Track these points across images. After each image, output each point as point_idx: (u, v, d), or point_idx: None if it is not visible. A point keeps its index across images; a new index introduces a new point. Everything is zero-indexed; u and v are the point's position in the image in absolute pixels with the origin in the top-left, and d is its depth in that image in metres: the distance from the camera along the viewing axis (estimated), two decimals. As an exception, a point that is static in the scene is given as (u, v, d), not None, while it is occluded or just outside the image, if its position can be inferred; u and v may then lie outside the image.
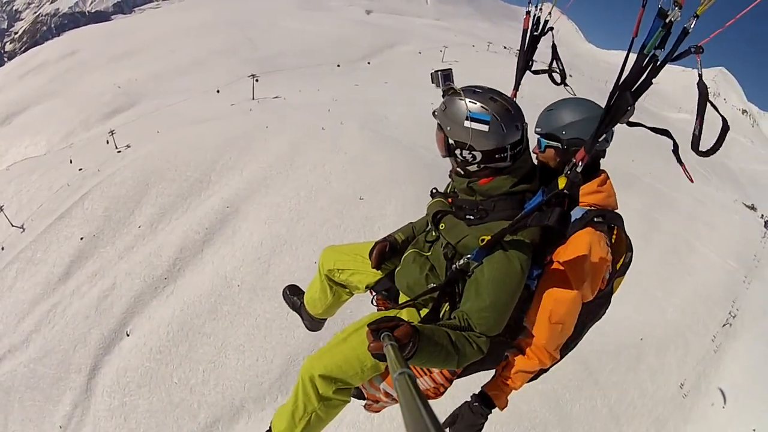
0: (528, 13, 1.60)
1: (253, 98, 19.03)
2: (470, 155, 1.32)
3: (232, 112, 16.05)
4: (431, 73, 1.35)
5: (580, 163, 1.16)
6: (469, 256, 1.31)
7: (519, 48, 1.69)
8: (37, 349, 9.91)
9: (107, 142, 14.50)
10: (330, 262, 1.83)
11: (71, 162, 14.82)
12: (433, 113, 1.37)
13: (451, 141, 1.34)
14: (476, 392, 1.56)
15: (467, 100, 1.28)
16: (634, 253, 1.61)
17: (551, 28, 1.63)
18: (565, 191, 1.20)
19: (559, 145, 1.52)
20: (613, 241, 1.49)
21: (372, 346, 1.05)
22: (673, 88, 45.77)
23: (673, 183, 18.54)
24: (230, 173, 11.20)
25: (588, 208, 1.47)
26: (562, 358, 1.51)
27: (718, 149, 1.09)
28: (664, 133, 1.31)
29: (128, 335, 8.65)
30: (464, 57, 30.76)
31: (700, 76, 1.07)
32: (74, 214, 11.76)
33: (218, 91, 20.78)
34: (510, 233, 1.23)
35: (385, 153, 13.13)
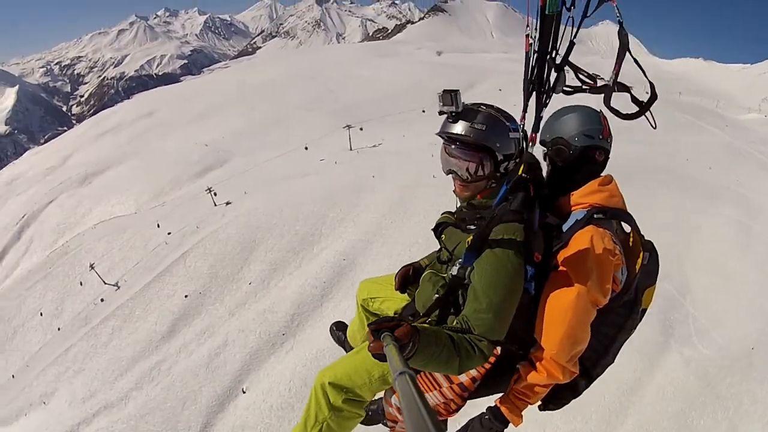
0: (527, 36, 1.56)
1: (351, 149, 21.93)
2: (509, 164, 1.60)
3: (328, 165, 18.65)
4: (442, 94, 1.55)
5: (531, 144, 1.43)
6: (460, 260, 1.54)
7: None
8: (139, 407, 11.59)
9: (212, 199, 17.25)
10: (364, 292, 2.17)
11: (158, 226, 17.88)
12: (467, 136, 1.54)
13: (500, 156, 1.56)
14: (491, 405, 1.72)
15: (497, 115, 1.55)
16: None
17: (573, 43, 1.72)
18: (523, 175, 1.44)
19: (568, 151, 1.69)
20: (620, 237, 1.61)
21: (372, 346, 1.18)
22: (737, 88, 46.77)
23: (760, 189, 18.81)
24: (342, 225, 12.94)
25: (589, 208, 1.59)
26: (594, 377, 1.72)
27: (640, 116, 1.41)
28: (606, 89, 1.52)
29: (244, 392, 9.94)
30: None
31: (621, 23, 1.34)
32: (175, 271, 14.17)
33: (306, 148, 24.11)
34: (488, 230, 1.46)
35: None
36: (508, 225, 1.48)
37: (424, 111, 31.53)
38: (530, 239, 1.48)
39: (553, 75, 1.38)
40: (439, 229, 1.78)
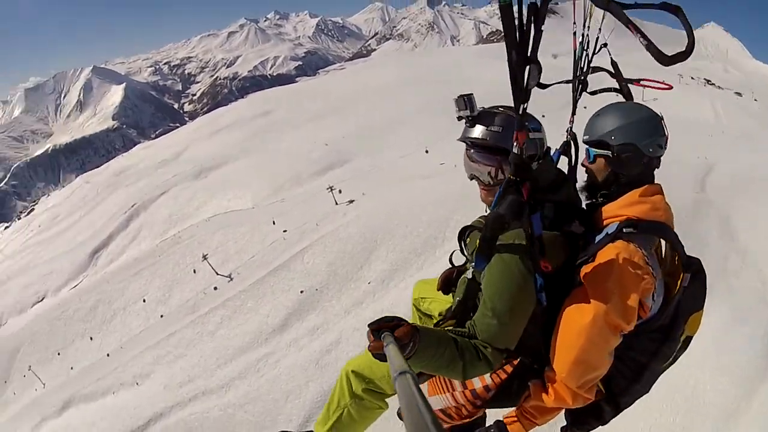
0: (575, 34, 2.19)
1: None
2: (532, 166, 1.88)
3: (448, 168, 20.39)
4: (456, 99, 1.87)
5: (515, 144, 1.54)
6: (472, 263, 1.88)
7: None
8: (239, 396, 13.72)
9: (333, 197, 20.21)
10: (416, 292, 2.81)
11: (274, 223, 21.20)
12: (484, 139, 1.87)
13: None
14: (499, 419, 2.03)
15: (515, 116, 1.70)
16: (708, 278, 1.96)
17: (605, 45, 2.25)
18: (512, 176, 1.63)
19: (609, 153, 1.90)
20: (655, 255, 1.78)
21: (372, 346, 1.47)
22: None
23: None
24: (466, 230, 14.63)
25: (622, 221, 1.78)
26: (623, 405, 1.97)
27: (686, 57, 1.47)
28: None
29: (353, 390, 11.71)
30: (660, 93, 35.06)
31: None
32: (292, 267, 16.85)
33: (427, 151, 26.97)
34: (488, 233, 1.67)
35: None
36: (515, 230, 1.77)
37: (544, 116, 32.88)
38: (530, 246, 1.69)
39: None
40: (466, 233, 2.08)
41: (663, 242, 1.89)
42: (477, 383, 2.10)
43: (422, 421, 0.68)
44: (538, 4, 1.23)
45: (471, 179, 2.05)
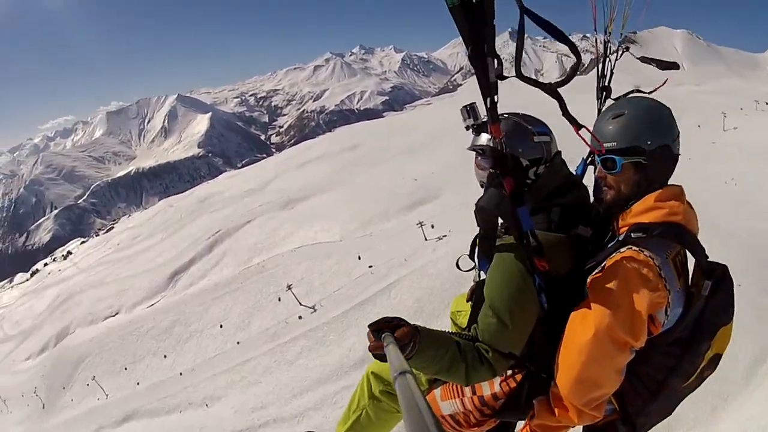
0: (596, 40, 2.30)
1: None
2: (538, 169, 2.04)
3: None
4: (462, 109, 2.07)
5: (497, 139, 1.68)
6: (478, 266, 2.05)
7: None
8: (312, 426, 14.72)
9: (423, 232, 21.27)
10: (453, 306, 2.96)
11: (360, 258, 22.43)
12: (488, 145, 2.03)
13: (525, 161, 2.01)
14: None
15: (520, 121, 2.04)
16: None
17: (627, 49, 2.32)
18: (491, 170, 1.84)
19: (642, 159, 1.85)
20: (672, 263, 1.76)
21: (372, 346, 1.58)
22: None
23: None
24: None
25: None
26: (640, 426, 1.97)
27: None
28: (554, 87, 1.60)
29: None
30: (740, 121, 36.10)
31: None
32: (378, 302, 17.98)
33: None
34: (483, 233, 1.97)
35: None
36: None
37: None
38: (520, 242, 1.79)
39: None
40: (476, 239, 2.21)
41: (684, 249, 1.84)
42: (486, 390, 2.18)
43: (422, 421, 0.74)
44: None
45: (482, 187, 2.15)
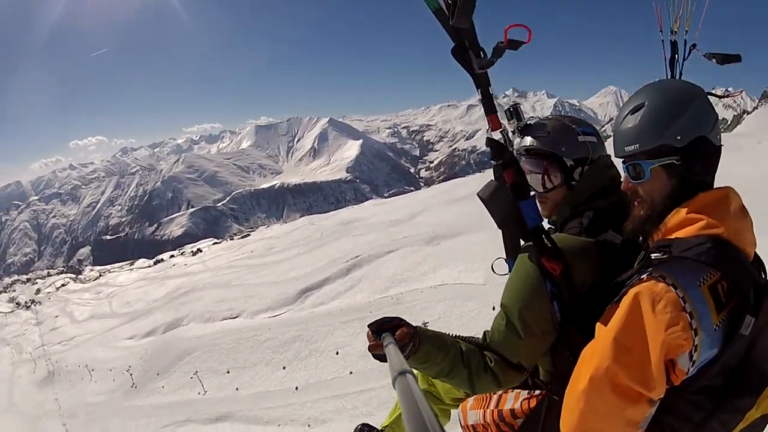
0: (662, 42, 2.13)
1: None
2: (584, 170, 2.08)
3: None
4: (506, 111, 2.10)
5: (492, 129, 1.74)
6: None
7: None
8: None
9: None
10: None
11: (493, 309, 21.79)
12: (531, 146, 2.11)
13: (569, 161, 2.05)
14: None
15: (564, 120, 2.10)
16: None
17: (694, 46, 2.12)
18: (493, 161, 1.77)
19: (674, 159, 1.66)
20: (709, 293, 1.51)
21: (371, 345, 1.71)
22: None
23: None
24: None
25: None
26: None
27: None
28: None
29: None
30: None
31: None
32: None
33: None
34: (501, 226, 2.06)
35: None
36: None
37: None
38: (523, 237, 1.86)
39: None
40: None
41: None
42: (507, 404, 2.21)
43: (423, 422, 0.76)
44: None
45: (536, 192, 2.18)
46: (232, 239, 70.80)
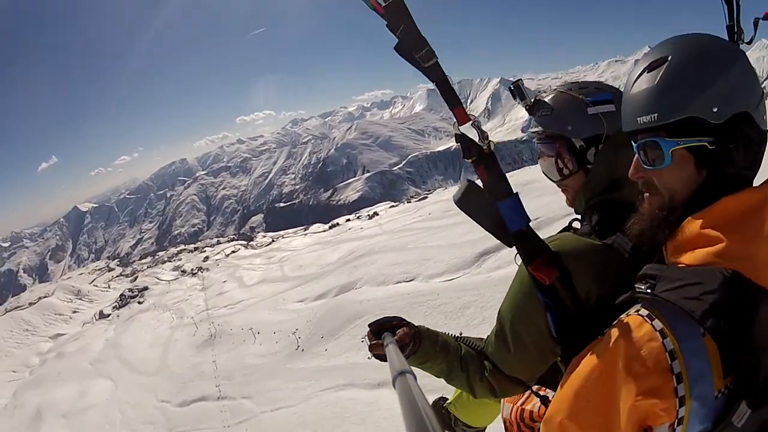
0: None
1: None
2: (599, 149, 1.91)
3: None
4: (512, 88, 2.02)
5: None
6: None
7: None
8: None
9: None
10: None
11: None
12: (536, 129, 2.04)
13: (579, 144, 1.92)
14: None
15: (570, 91, 1.94)
16: None
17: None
18: (465, 160, 1.71)
19: (708, 140, 1.31)
20: (708, 343, 1.15)
21: (372, 345, 1.89)
22: None
23: None
24: None
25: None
26: None
27: None
28: None
29: None
30: None
31: None
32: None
33: None
34: (497, 236, 1.81)
35: None
36: None
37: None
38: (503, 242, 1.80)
39: None
40: None
41: None
42: (530, 404, 2.26)
43: (423, 422, 0.75)
44: None
45: (553, 181, 2.12)
46: (409, 202, 71.19)
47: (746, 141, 1.29)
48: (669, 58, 1.34)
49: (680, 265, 1.28)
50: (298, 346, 27.12)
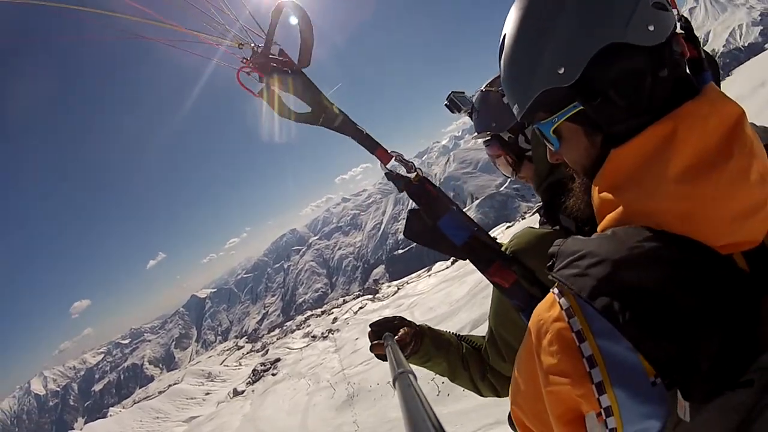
0: None
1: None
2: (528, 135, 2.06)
3: None
4: (446, 103, 2.27)
5: None
6: None
7: None
8: None
9: None
10: None
11: None
12: (476, 132, 2.21)
13: (507, 136, 2.09)
14: None
15: (488, 87, 2.14)
16: None
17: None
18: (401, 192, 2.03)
19: (572, 105, 1.20)
20: None
21: (372, 345, 1.99)
22: None
23: None
24: None
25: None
26: None
27: None
28: None
29: None
30: None
31: None
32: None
33: None
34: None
35: None
36: None
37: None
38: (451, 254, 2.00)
39: None
40: None
41: None
42: None
43: (423, 422, 0.76)
44: None
45: (512, 179, 2.30)
46: (523, 218, 70.85)
47: (617, 84, 1.09)
48: (505, 35, 1.29)
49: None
50: (439, 392, 26.62)
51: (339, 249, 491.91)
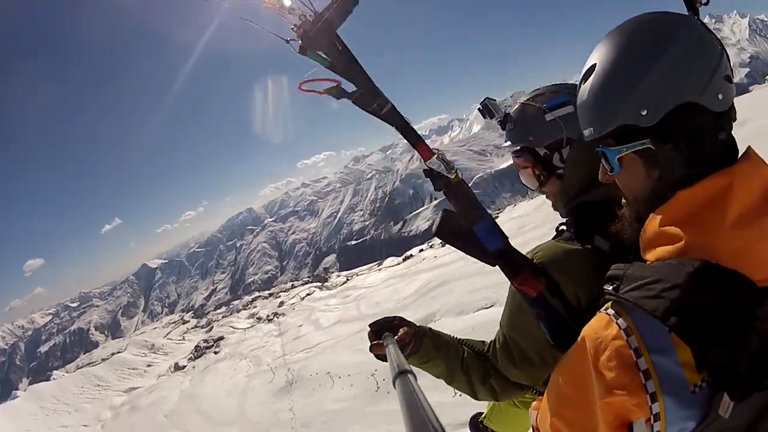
0: None
1: None
2: (563, 154, 2.04)
3: None
4: (480, 108, 2.27)
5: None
6: None
7: None
8: None
9: None
10: None
11: None
12: (508, 143, 2.21)
13: (543, 152, 2.07)
14: None
15: (529, 101, 2.11)
16: None
17: None
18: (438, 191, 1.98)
19: (647, 141, 1.36)
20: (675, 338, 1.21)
21: (372, 345, 2.03)
22: None
23: None
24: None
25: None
26: None
27: None
28: None
29: None
30: None
31: None
32: None
33: None
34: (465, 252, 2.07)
35: None
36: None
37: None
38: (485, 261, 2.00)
39: None
40: None
41: None
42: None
43: (423, 422, 0.78)
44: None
45: (533, 190, 2.26)
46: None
47: (687, 136, 1.29)
48: (595, 65, 1.40)
49: (648, 263, 1.32)
50: (378, 388, 27.01)
51: (293, 233, 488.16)
